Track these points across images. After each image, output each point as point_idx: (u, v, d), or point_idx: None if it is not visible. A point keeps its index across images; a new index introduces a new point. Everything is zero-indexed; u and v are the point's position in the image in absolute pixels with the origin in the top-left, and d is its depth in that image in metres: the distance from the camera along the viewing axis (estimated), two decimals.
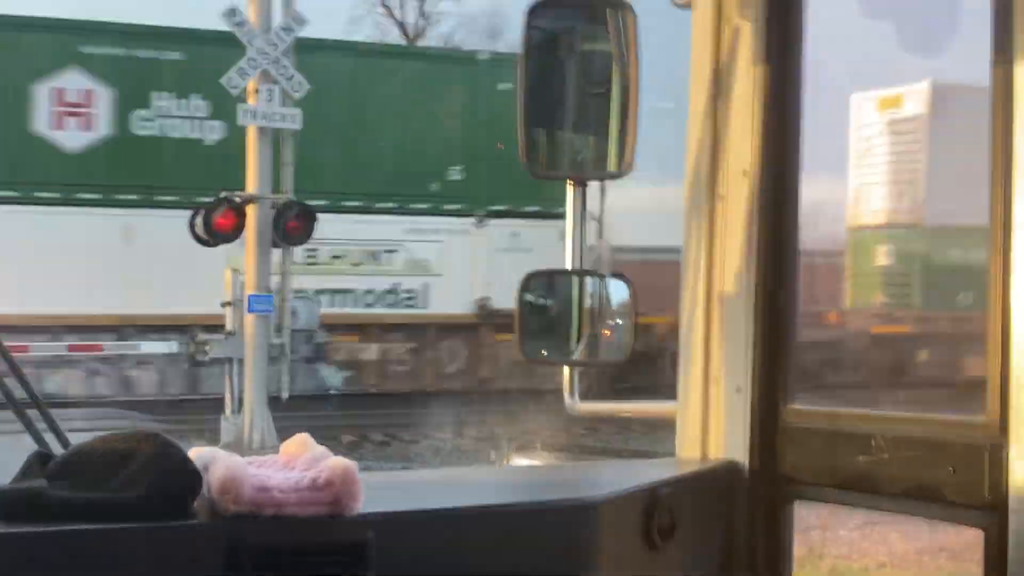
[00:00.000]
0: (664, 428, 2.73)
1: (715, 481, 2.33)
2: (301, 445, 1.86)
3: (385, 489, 2.08)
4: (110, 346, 19.71)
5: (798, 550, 2.31)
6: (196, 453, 1.77)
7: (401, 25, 37.49)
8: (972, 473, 1.95)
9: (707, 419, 2.41)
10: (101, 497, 1.67)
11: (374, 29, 37.87)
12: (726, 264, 2.37)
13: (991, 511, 1.93)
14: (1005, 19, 1.93)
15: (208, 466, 1.74)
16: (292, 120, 16.24)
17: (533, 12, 2.70)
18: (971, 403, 2.03)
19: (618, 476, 2.40)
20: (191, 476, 1.72)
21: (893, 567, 9.55)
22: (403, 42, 36.40)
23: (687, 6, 2.43)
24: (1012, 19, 1.92)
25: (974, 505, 1.96)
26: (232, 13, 15.95)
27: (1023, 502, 1.89)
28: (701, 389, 2.42)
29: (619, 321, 2.69)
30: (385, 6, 37.58)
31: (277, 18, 16.26)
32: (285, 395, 16.88)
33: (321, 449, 1.84)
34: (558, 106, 2.76)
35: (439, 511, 1.92)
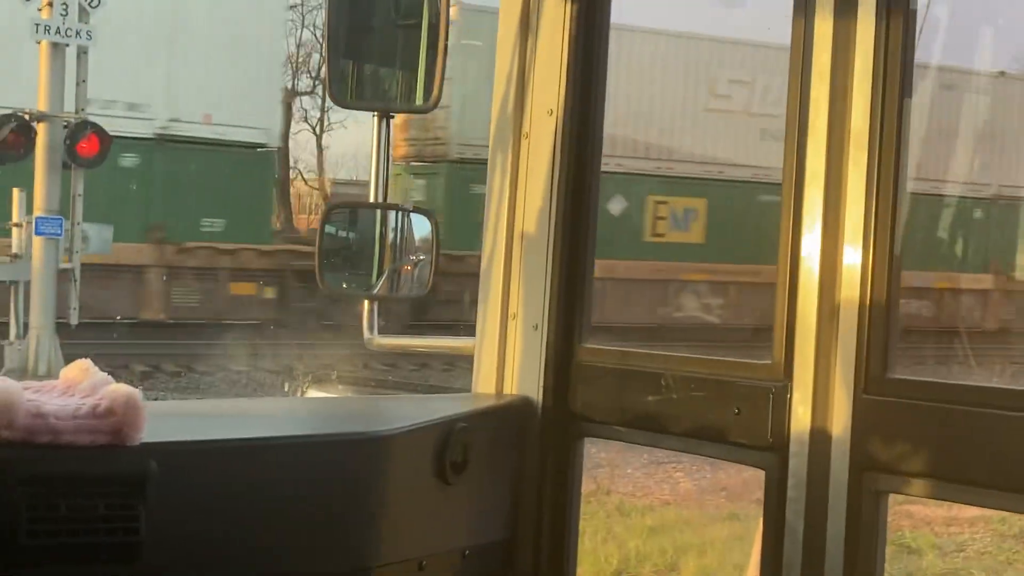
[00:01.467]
0: (463, 365, 2.74)
1: (508, 417, 2.34)
2: (82, 371, 1.78)
3: (171, 418, 2.02)
4: None
5: (587, 486, 2.34)
6: None
7: None
8: (756, 415, 2.01)
9: (503, 355, 2.42)
10: None
11: None
12: (528, 203, 2.37)
13: (773, 452, 1.99)
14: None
15: None
16: (86, 36, 15.53)
17: None
18: None
19: (413, 410, 2.39)
20: None
21: (676, 505, 9.89)
22: None
23: None
24: None
25: (757, 446, 2.02)
26: None
27: (803, 444, 1.95)
28: (499, 326, 2.42)
29: (420, 256, 2.68)
30: None
31: None
32: (74, 321, 16.28)
33: (103, 375, 1.77)
34: (366, 37, 2.69)
35: (224, 441, 1.87)
